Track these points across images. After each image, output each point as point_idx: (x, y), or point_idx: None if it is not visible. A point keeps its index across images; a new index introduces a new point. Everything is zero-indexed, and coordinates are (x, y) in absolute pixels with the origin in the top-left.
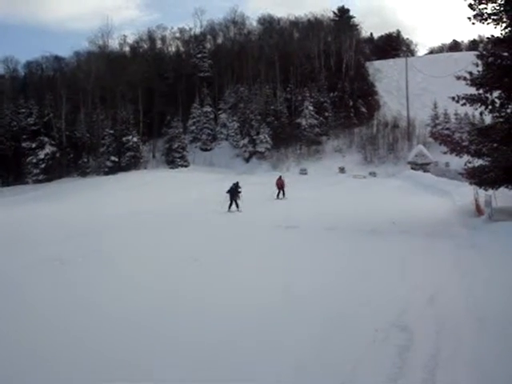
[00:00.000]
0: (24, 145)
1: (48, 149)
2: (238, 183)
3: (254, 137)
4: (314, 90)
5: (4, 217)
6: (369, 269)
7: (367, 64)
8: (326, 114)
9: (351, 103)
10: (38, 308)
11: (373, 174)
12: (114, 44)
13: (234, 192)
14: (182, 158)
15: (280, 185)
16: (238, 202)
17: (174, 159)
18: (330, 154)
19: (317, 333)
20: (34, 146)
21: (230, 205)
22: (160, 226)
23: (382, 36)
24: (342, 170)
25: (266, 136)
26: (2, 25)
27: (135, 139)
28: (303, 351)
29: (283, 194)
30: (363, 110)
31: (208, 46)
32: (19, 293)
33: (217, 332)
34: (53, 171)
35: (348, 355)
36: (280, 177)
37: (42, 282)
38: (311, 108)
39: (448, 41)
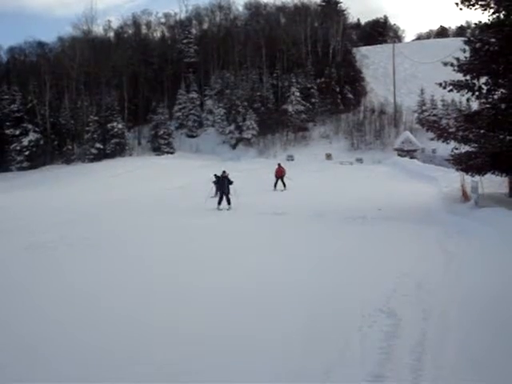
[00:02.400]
0: (7, 132)
1: (32, 136)
2: (225, 173)
3: (241, 123)
4: (301, 76)
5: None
6: (355, 255)
7: (354, 50)
8: (313, 100)
9: (338, 89)
10: (23, 295)
11: (359, 161)
12: (98, 29)
13: (225, 184)
14: (168, 144)
15: (280, 174)
16: (230, 196)
17: (160, 146)
18: (317, 141)
19: (303, 320)
20: (17, 133)
21: (220, 200)
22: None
23: (369, 22)
24: (328, 156)
25: (253, 122)
26: None
27: (120, 126)
28: (289, 339)
29: (283, 184)
30: (350, 96)
31: (194, 31)
32: (6, 280)
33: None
34: (37, 158)
35: (335, 341)
36: (279, 165)
37: (28, 270)
38: (298, 94)
39: (435, 27)
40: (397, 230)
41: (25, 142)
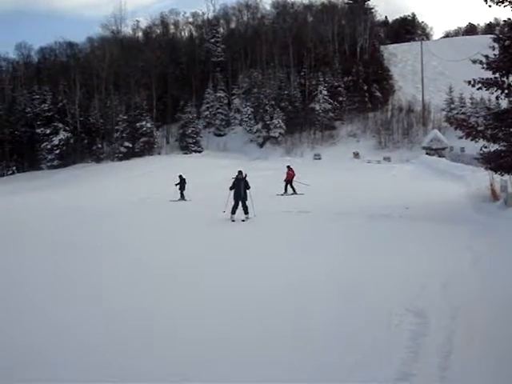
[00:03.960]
0: (38, 131)
1: (62, 135)
2: (244, 176)
3: (268, 122)
4: (328, 75)
5: (21, 203)
6: (380, 254)
7: (382, 48)
8: (340, 98)
9: (366, 88)
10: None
11: (387, 159)
12: (127, 30)
13: (241, 188)
14: (196, 143)
15: (290, 177)
16: (248, 203)
17: (188, 144)
18: (344, 139)
19: (329, 318)
20: (48, 132)
21: (235, 209)
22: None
23: (396, 19)
24: (356, 155)
25: (280, 121)
26: (17, 11)
27: (149, 125)
28: (315, 338)
29: (293, 189)
30: (378, 94)
31: (221, 30)
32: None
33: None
34: (67, 157)
35: (362, 340)
36: (289, 167)
37: (48, 269)
38: (325, 93)
39: (464, 24)
40: (424, 228)
41: (55, 140)
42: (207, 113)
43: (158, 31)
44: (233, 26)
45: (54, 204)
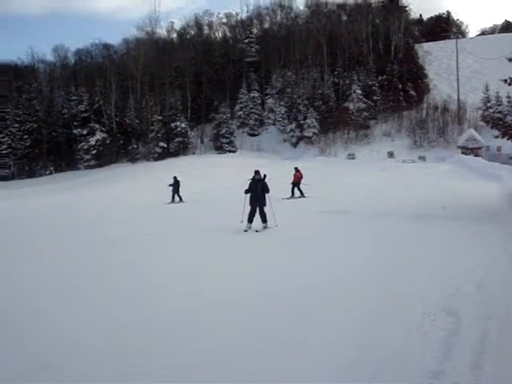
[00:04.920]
0: (75, 132)
1: (99, 135)
2: (263, 176)
3: (302, 121)
4: (362, 74)
5: (60, 201)
6: (416, 253)
7: (416, 46)
8: (375, 97)
9: (400, 86)
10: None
11: (422, 159)
12: (161, 31)
13: (258, 191)
14: (230, 143)
15: (297, 179)
16: (266, 209)
17: (222, 144)
18: (379, 139)
19: (363, 315)
20: (85, 132)
21: (252, 217)
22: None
23: (431, 17)
24: (390, 154)
25: (314, 121)
26: (54, 14)
27: (183, 125)
28: (347, 336)
29: (300, 192)
30: (412, 93)
31: (255, 30)
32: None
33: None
34: (103, 157)
35: (395, 338)
36: (296, 169)
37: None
38: (359, 92)
39: (500, 21)
40: (459, 228)
41: (92, 141)
42: (241, 113)
43: (192, 32)
44: (266, 26)
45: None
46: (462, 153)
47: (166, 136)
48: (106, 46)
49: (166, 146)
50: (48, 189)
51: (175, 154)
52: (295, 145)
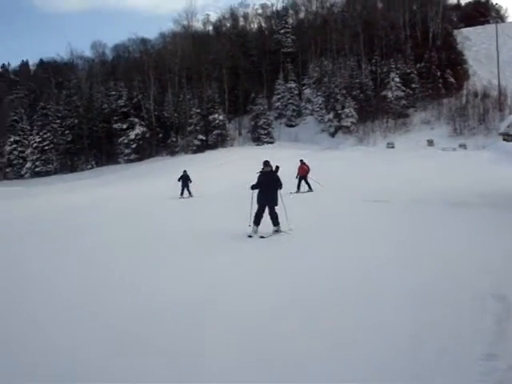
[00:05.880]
0: (115, 126)
1: (138, 129)
2: (275, 169)
3: (339, 111)
4: (400, 61)
5: (105, 195)
6: (459, 239)
7: (455, 32)
8: (413, 85)
9: (439, 73)
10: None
11: (463, 147)
12: (197, 24)
13: (269, 186)
14: (268, 134)
15: (303, 172)
16: (277, 211)
17: (260, 136)
18: (418, 127)
19: (410, 304)
20: (124, 127)
21: (260, 217)
22: None
23: (469, 2)
24: (430, 142)
25: (352, 110)
26: (92, 11)
27: (221, 117)
28: (399, 323)
29: (308, 185)
30: (452, 80)
31: (290, 21)
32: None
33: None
34: (143, 151)
35: (446, 324)
36: (302, 161)
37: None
38: (397, 80)
39: None
40: (501, 216)
41: (132, 135)
42: (278, 104)
43: (228, 24)
44: (302, 15)
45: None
46: (504, 140)
47: (204, 129)
48: (144, 41)
49: (204, 138)
50: (88, 184)
51: (214, 146)
52: (333, 135)
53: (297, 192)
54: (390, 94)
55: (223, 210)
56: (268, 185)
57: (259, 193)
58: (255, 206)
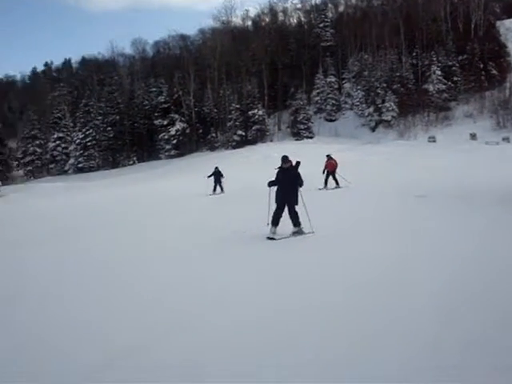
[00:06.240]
0: (156, 122)
1: (178, 125)
2: (296, 164)
3: (380, 105)
4: (442, 54)
5: (147, 190)
6: (505, 234)
7: (498, 24)
8: (455, 78)
9: (481, 66)
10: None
11: (506, 140)
12: (237, 20)
13: (288, 183)
14: (307, 129)
15: (331, 168)
16: (298, 209)
17: (299, 131)
18: (460, 120)
19: (456, 297)
20: (165, 123)
21: (279, 217)
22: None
23: None
24: (472, 136)
25: (392, 104)
26: (132, 9)
27: (260, 112)
28: (448, 314)
29: (336, 182)
30: (494, 72)
31: (330, 14)
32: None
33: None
34: (183, 146)
35: (492, 312)
36: (329, 156)
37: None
38: (439, 73)
39: None
40: None
41: (172, 131)
42: (318, 98)
43: (267, 19)
44: (341, 9)
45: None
46: None
47: (243, 124)
48: (183, 37)
49: (243, 133)
50: (132, 179)
51: (253, 141)
52: (373, 129)
53: (325, 188)
54: (431, 88)
55: (252, 208)
56: (287, 182)
57: (277, 191)
58: (273, 205)
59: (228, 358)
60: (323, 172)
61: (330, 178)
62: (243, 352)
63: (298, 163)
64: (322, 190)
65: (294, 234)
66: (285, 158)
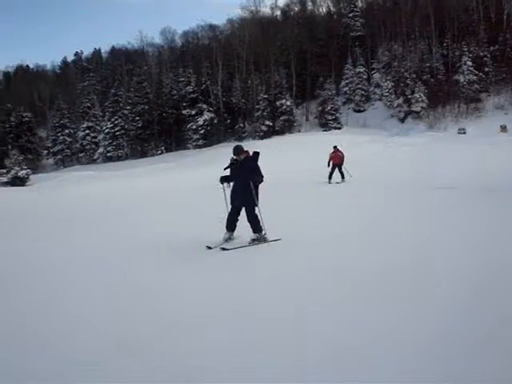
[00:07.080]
0: (184, 112)
1: (206, 115)
2: (253, 155)
3: (409, 96)
4: (473, 44)
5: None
6: None
7: None
8: (486, 69)
9: None
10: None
11: None
12: (265, 9)
13: (243, 183)
14: (335, 120)
15: (338, 161)
16: (258, 210)
17: (327, 121)
18: (491, 112)
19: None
20: (193, 113)
21: (234, 219)
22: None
23: None
24: (504, 128)
25: (422, 95)
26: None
27: (288, 103)
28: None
29: (341, 175)
30: None
31: (359, 4)
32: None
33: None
34: (211, 136)
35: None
36: (336, 148)
37: None
38: (470, 63)
39: None
40: None
41: (200, 121)
42: (346, 89)
43: (296, 9)
44: None
45: None
46: None
47: (271, 114)
48: (212, 27)
49: (271, 124)
50: (162, 168)
51: (281, 132)
52: (402, 120)
53: (329, 182)
54: (461, 79)
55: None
56: (240, 178)
57: (232, 188)
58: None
59: (226, 359)
60: (328, 165)
61: (336, 170)
62: (241, 352)
63: (255, 154)
64: (333, 184)
65: (253, 241)
66: (238, 148)
